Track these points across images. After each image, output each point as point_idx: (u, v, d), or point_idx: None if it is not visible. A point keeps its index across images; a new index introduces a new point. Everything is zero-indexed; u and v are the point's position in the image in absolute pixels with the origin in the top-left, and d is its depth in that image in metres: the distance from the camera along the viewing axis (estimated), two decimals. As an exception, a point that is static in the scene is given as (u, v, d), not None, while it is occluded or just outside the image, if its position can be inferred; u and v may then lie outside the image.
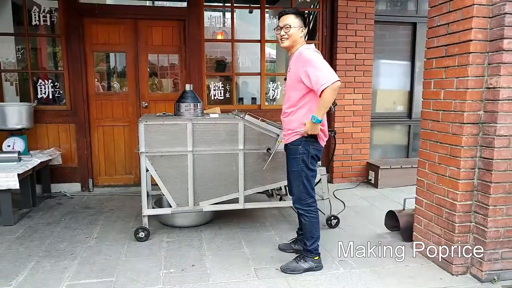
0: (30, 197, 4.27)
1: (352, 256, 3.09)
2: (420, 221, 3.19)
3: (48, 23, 4.88)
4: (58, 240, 3.46)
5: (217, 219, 3.94)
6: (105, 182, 5.23)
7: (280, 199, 4.07)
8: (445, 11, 2.84)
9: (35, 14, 4.79)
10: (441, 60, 2.90)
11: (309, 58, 2.60)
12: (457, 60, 2.74)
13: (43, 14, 4.81)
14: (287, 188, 3.99)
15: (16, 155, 4.06)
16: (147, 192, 3.66)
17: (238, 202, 3.59)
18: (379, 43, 5.62)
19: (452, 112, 2.79)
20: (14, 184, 3.66)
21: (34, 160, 4.20)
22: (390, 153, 6.03)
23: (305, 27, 2.77)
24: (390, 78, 5.97)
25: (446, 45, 2.85)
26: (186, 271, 2.88)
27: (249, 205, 3.66)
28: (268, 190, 4.00)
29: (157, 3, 7.38)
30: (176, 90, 5.33)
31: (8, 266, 2.96)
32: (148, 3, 7.28)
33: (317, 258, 2.88)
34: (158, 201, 3.99)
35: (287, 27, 2.70)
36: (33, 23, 4.81)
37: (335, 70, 5.25)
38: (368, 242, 3.36)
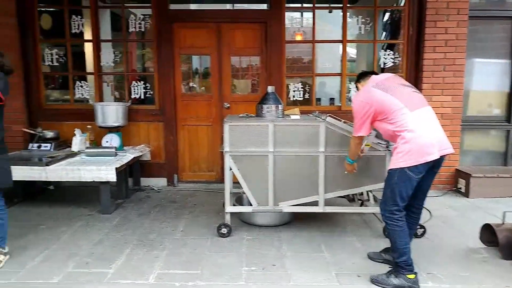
0: (123, 189, 4.66)
1: (441, 269, 2.90)
2: (521, 237, 2.90)
3: (143, 29, 5.28)
4: (148, 231, 3.73)
5: (296, 220, 3.95)
6: (189, 178, 5.51)
7: (361, 205, 3.96)
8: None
9: (131, 22, 5.21)
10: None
11: (352, 106, 2.94)
12: None
13: (139, 21, 5.21)
14: (369, 193, 3.89)
15: (113, 150, 4.47)
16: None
17: (318, 205, 3.56)
18: (472, 39, 5.19)
19: None
20: (112, 177, 4.03)
21: (128, 156, 4.59)
22: (483, 160, 5.55)
23: (362, 77, 3.09)
24: (485, 78, 5.49)
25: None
26: (267, 270, 2.95)
27: (329, 209, 3.61)
28: (349, 195, 3.92)
29: (237, 6, 7.62)
30: (257, 91, 5.45)
31: (108, 250, 3.27)
32: (228, 6, 7.54)
33: (412, 276, 2.66)
34: (239, 199, 4.11)
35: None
36: (130, 30, 5.23)
37: (422, 71, 5.07)
38: (460, 256, 3.15)
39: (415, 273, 2.68)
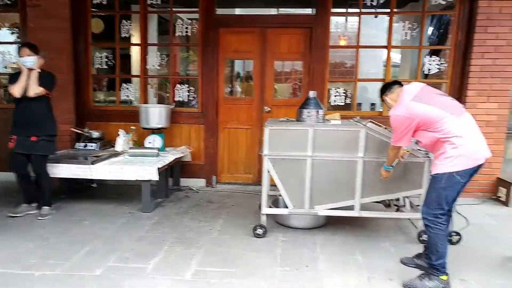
0: (164, 189, 4.83)
1: (474, 276, 2.88)
2: None
3: (189, 34, 5.44)
4: (186, 230, 3.85)
5: (330, 224, 3.95)
6: (227, 179, 5.62)
7: (397, 210, 3.90)
8: None
9: (178, 26, 5.39)
10: None
11: (391, 120, 2.88)
12: None
13: (185, 26, 5.39)
14: (405, 199, 3.84)
15: (156, 151, 4.66)
16: (266, 192, 3.85)
17: (353, 209, 3.57)
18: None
19: None
20: (154, 177, 4.18)
21: (169, 157, 4.75)
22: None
23: (388, 89, 3.03)
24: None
25: None
26: (300, 271, 2.98)
27: (365, 214, 3.61)
28: (385, 200, 3.88)
29: (281, 11, 7.66)
30: (298, 95, 5.49)
31: (148, 247, 3.41)
32: (272, 11, 7.61)
33: (445, 277, 2.71)
34: (275, 202, 4.15)
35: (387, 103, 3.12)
36: (177, 34, 5.41)
37: (468, 77, 4.93)
38: (495, 264, 3.11)
39: (448, 274, 2.72)
